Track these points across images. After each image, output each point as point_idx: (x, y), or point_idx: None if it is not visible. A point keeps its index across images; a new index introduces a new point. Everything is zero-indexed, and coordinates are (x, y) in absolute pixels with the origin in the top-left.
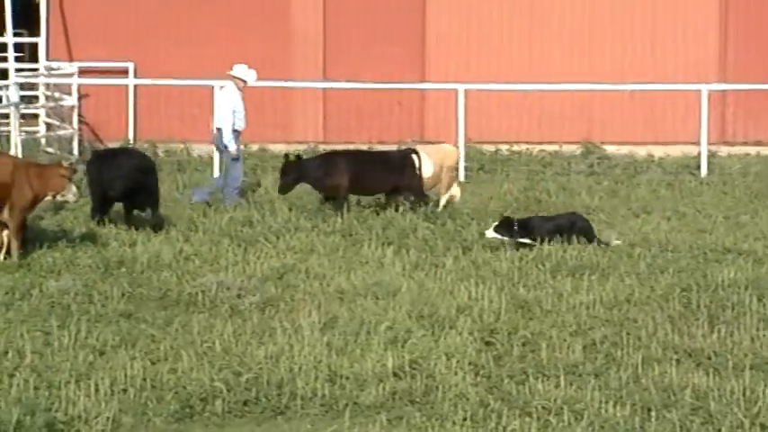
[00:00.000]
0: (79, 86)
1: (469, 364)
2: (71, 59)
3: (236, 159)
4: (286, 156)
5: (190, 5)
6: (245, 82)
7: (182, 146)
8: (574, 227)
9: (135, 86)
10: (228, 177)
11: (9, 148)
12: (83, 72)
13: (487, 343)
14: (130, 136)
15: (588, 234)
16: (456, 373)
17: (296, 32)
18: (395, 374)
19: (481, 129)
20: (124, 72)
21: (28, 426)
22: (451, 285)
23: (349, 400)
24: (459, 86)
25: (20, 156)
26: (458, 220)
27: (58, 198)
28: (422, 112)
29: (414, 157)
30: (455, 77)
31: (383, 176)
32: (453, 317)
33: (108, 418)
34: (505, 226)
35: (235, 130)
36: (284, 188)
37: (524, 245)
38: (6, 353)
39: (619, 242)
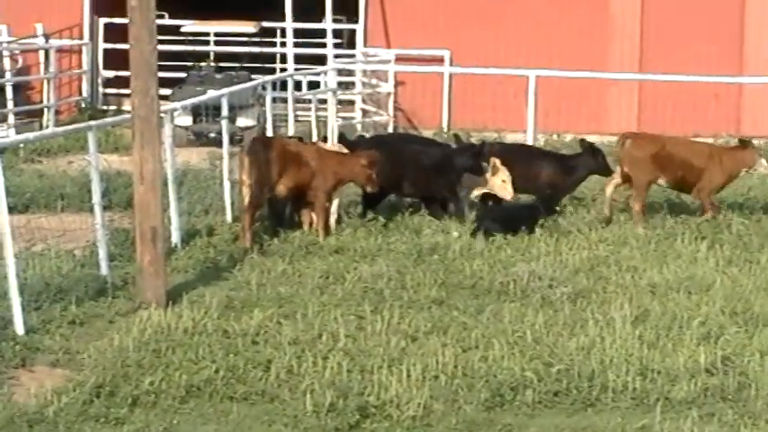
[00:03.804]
0: (395, 73)
1: None
2: (388, 46)
3: None
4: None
5: None
6: None
7: (495, 135)
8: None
9: (450, 75)
10: None
11: (326, 133)
12: (399, 59)
13: None
14: (444, 124)
15: None
16: None
17: (614, 26)
18: (707, 370)
19: None
20: (440, 60)
21: (341, 408)
22: (766, 282)
23: (660, 395)
24: None
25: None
26: None
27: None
28: (738, 106)
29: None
30: None
31: None
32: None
33: (419, 404)
34: None
35: None
36: None
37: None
38: (321, 336)
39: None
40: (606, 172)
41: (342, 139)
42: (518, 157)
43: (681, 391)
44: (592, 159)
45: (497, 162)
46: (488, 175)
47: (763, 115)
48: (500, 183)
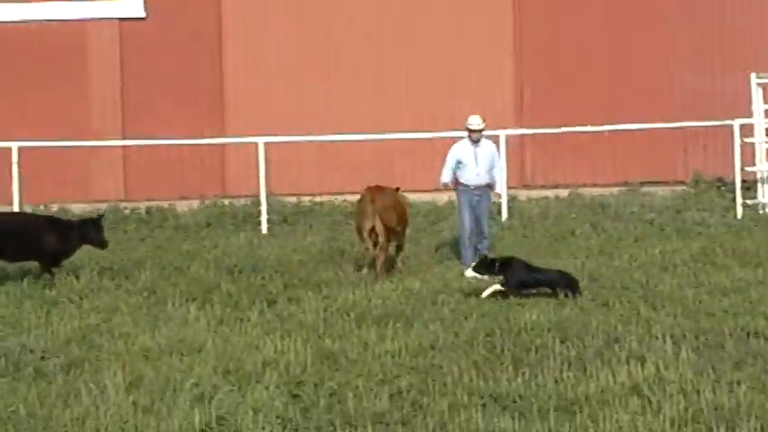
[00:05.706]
0: None
1: (277, 417)
2: None
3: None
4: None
5: None
6: (477, 132)
7: None
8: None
9: None
10: None
11: None
12: None
13: (294, 396)
14: None
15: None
16: (263, 428)
17: (93, 93)
18: (202, 431)
19: (283, 181)
20: None
21: None
22: (257, 339)
23: None
24: (259, 139)
25: None
26: (261, 274)
27: None
28: (222, 167)
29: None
30: (255, 131)
31: None
32: (259, 371)
33: None
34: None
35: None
36: None
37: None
38: None
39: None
40: (100, 244)
41: None
42: (19, 227)
43: None
44: (85, 229)
45: None
46: None
47: (247, 175)
48: None
